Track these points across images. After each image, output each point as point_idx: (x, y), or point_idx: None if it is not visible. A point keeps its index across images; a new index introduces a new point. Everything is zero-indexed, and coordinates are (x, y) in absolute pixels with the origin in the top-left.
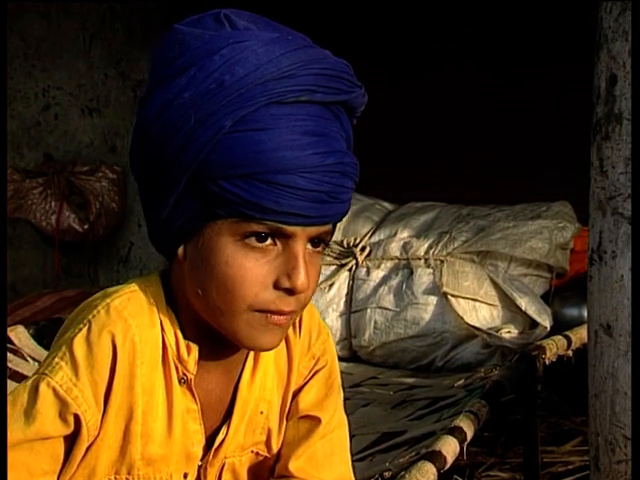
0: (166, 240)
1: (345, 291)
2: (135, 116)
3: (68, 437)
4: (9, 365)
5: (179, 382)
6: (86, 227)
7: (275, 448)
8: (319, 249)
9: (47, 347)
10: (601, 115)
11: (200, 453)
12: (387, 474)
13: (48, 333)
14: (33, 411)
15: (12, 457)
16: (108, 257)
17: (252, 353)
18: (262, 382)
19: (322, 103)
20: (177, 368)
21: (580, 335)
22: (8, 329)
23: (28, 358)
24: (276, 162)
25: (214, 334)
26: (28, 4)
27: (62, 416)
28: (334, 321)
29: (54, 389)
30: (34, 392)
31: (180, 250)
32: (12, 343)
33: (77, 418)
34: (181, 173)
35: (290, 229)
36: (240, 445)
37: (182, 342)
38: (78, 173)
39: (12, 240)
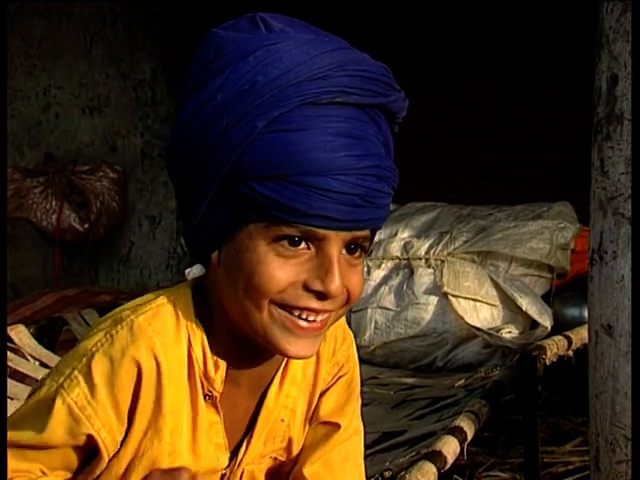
0: (201, 245)
1: None
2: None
3: (81, 448)
4: (9, 364)
5: (204, 398)
6: (86, 226)
7: (295, 453)
8: (357, 255)
9: (47, 346)
10: (602, 115)
11: (225, 464)
12: (387, 474)
13: (48, 332)
14: (44, 424)
15: (24, 451)
16: (108, 256)
17: (283, 364)
18: (287, 390)
19: (358, 105)
20: (203, 384)
21: (580, 335)
22: (8, 328)
23: (28, 357)
24: (308, 163)
25: (249, 345)
26: (29, 4)
27: (72, 434)
28: None
29: (69, 406)
30: (50, 404)
31: (214, 256)
32: (12, 342)
33: (91, 436)
34: (214, 175)
35: (322, 232)
36: (260, 453)
37: (210, 358)
38: (79, 172)
39: (12, 239)
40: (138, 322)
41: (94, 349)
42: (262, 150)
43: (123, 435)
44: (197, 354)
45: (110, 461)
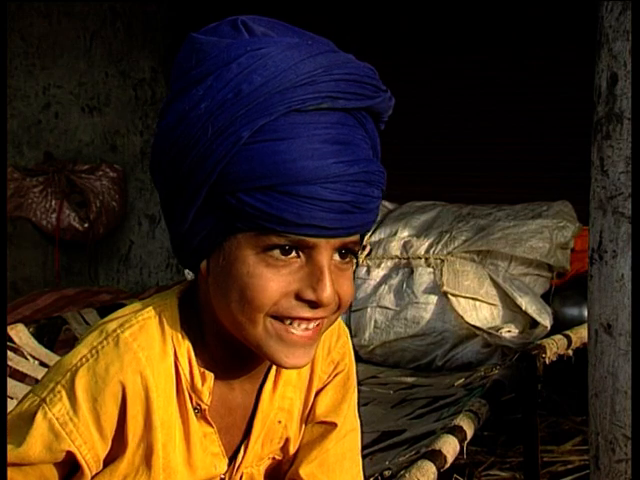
0: (189, 255)
1: None
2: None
3: (61, 465)
4: (9, 363)
5: (194, 411)
6: (86, 226)
7: (292, 452)
8: (347, 260)
9: (47, 345)
10: (602, 114)
11: (224, 470)
12: (387, 473)
13: (48, 331)
14: (22, 439)
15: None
16: (108, 256)
17: None
18: (283, 392)
19: (344, 110)
20: (191, 397)
21: (580, 334)
22: (8, 327)
23: (28, 356)
24: (296, 173)
25: (240, 348)
26: (29, 4)
27: (51, 450)
28: None
29: (50, 421)
30: (30, 419)
31: (203, 265)
32: (12, 341)
33: (71, 452)
34: (200, 186)
35: (312, 241)
36: (258, 456)
37: (196, 371)
38: (78, 172)
39: (12, 239)
40: (124, 337)
41: (79, 364)
42: (249, 160)
43: (107, 452)
44: (184, 366)
45: (97, 477)
